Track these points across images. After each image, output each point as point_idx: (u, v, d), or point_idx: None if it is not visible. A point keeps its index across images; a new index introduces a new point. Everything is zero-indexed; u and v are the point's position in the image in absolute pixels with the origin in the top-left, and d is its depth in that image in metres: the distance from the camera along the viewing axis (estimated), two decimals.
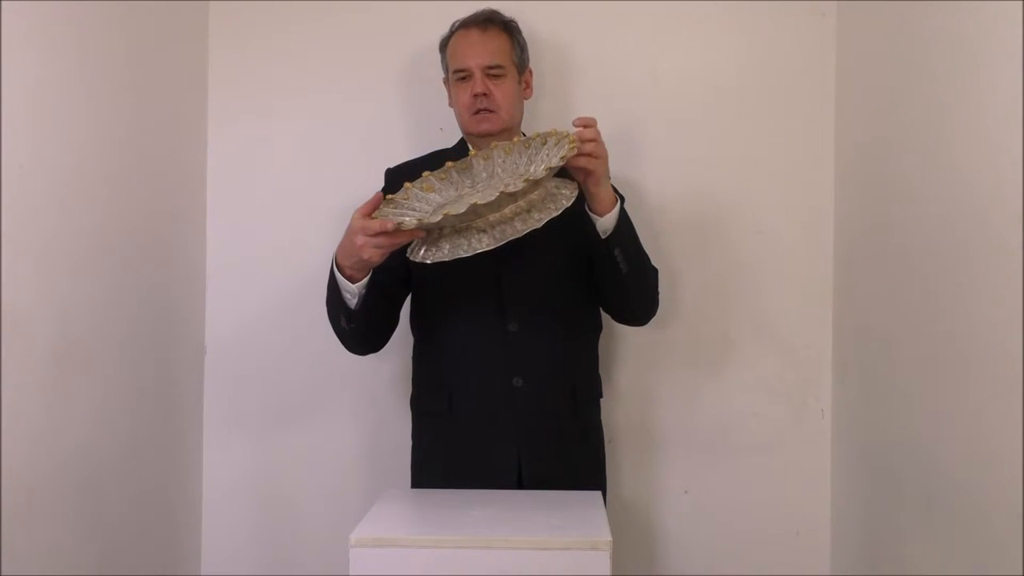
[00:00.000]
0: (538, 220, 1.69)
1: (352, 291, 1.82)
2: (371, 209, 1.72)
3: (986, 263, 1.59)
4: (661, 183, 2.34)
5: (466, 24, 2.04)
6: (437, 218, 1.65)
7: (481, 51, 2.00)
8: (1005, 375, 1.51)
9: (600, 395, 2.11)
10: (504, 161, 1.83)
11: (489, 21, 2.03)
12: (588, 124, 1.75)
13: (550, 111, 2.33)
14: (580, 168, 1.75)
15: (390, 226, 1.67)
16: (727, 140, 2.35)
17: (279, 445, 2.39)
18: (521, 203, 1.69)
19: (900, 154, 1.96)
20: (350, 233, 1.72)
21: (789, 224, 2.35)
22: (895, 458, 1.97)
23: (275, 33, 2.38)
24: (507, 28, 2.05)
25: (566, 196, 1.73)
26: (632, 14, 2.35)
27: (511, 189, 1.62)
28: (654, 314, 2.04)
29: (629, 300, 2.00)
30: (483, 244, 1.68)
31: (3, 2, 1.58)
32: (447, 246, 1.70)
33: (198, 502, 2.39)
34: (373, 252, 1.70)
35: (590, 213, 1.83)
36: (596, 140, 1.74)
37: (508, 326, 1.95)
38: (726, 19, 2.35)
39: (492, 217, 1.68)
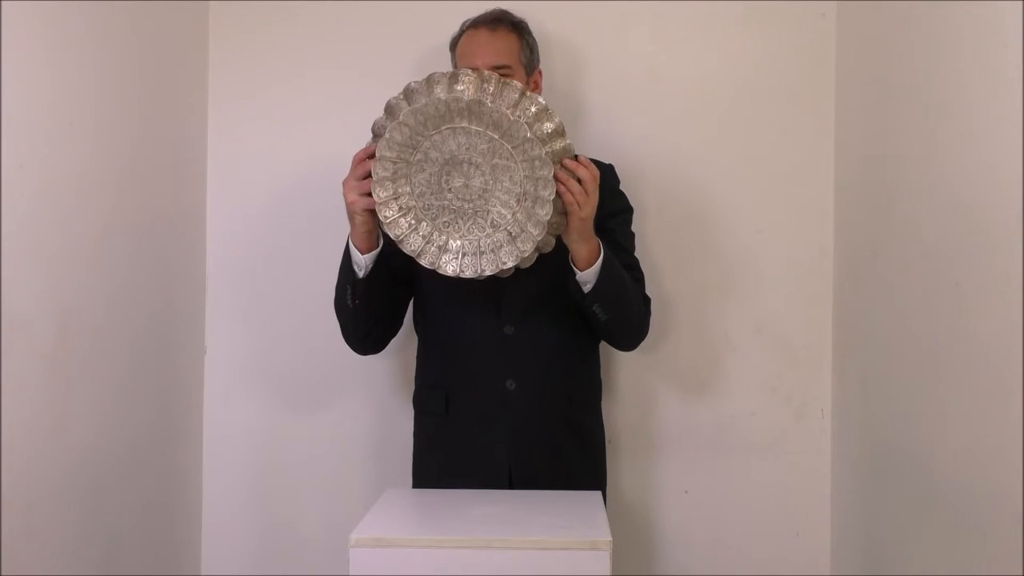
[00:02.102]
0: (509, 254, 1.77)
1: (360, 262, 1.85)
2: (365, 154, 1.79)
3: (986, 263, 1.59)
4: (661, 182, 2.33)
5: (475, 24, 2.03)
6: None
7: (489, 51, 1.98)
8: (1005, 375, 1.51)
9: (599, 399, 2.10)
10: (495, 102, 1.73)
11: (498, 21, 2.02)
12: (590, 168, 1.75)
13: (559, 110, 2.31)
14: (564, 205, 1.74)
15: (362, 154, 1.78)
16: (727, 140, 2.35)
17: (279, 445, 2.39)
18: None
19: (900, 154, 1.96)
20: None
21: (789, 224, 2.35)
22: (895, 458, 1.97)
23: (276, 33, 2.37)
24: (516, 28, 2.03)
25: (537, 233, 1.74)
26: (632, 13, 2.35)
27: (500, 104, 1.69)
28: (638, 345, 2.03)
29: (610, 337, 2.03)
30: (467, 271, 1.79)
31: (3, 2, 1.58)
32: (447, 256, 1.80)
33: (198, 502, 2.39)
34: (352, 186, 1.79)
35: (571, 265, 1.82)
36: (585, 187, 1.73)
37: (504, 328, 1.96)
38: (727, 19, 2.35)
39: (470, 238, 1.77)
